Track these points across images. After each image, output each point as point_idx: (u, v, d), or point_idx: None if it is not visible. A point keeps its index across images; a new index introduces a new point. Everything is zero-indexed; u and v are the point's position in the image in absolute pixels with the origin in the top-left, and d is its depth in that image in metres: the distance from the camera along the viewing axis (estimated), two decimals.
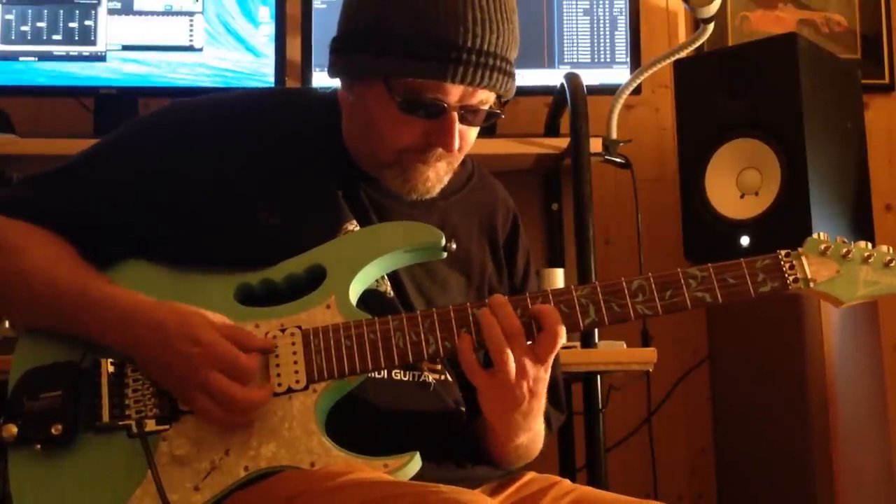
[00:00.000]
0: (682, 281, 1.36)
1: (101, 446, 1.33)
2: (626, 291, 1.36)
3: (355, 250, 1.41)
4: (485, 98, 1.42)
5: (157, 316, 1.33)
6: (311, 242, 1.41)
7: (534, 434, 1.46)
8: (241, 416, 1.31)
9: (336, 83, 1.51)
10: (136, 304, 1.35)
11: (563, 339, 1.34)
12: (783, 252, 1.39)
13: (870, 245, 1.40)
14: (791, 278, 1.37)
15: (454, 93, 1.38)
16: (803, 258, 1.39)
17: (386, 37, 1.37)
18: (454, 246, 1.43)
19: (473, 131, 1.45)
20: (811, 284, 1.38)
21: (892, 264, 1.38)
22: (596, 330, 2.14)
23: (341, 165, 1.49)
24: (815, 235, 1.41)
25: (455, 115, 1.39)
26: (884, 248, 1.40)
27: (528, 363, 1.32)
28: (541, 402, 1.39)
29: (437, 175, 1.46)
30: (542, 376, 1.35)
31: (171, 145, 1.45)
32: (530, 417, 1.39)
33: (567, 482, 1.50)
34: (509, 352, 1.31)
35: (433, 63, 1.35)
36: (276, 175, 1.45)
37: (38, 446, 1.32)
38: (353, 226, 1.46)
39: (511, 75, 1.42)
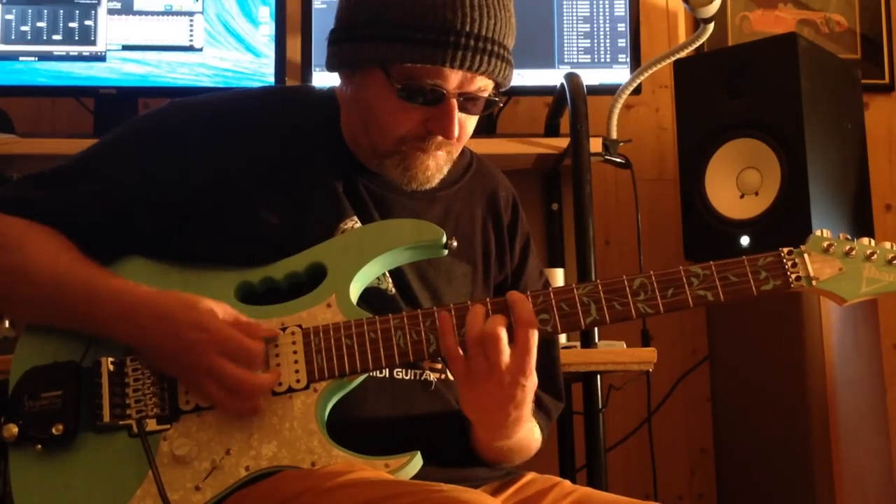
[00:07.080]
0: (684, 279, 1.36)
1: (101, 446, 1.33)
2: (628, 290, 1.35)
3: (356, 248, 1.40)
4: (483, 85, 1.42)
5: (163, 305, 1.34)
6: (312, 240, 1.41)
7: (517, 442, 1.43)
8: (247, 401, 1.32)
9: (335, 79, 1.51)
10: (141, 295, 1.36)
11: (535, 341, 1.30)
12: (786, 250, 1.38)
13: (873, 242, 1.39)
14: (793, 276, 1.36)
15: (453, 79, 1.38)
16: (806, 256, 1.37)
17: (384, 25, 1.38)
18: (455, 243, 1.42)
19: (472, 120, 1.46)
20: (814, 283, 1.36)
21: (895, 261, 1.37)
22: (596, 330, 2.14)
23: (341, 161, 1.49)
24: (817, 232, 1.39)
25: (454, 101, 1.39)
26: (887, 244, 1.38)
27: (505, 361, 1.29)
28: (523, 412, 1.35)
29: (437, 164, 1.46)
30: (521, 381, 1.31)
31: (169, 144, 1.45)
32: (510, 423, 1.36)
33: (568, 483, 1.49)
34: (485, 341, 1.29)
35: (430, 48, 1.36)
36: (275, 172, 1.45)
37: (39, 446, 1.32)
38: (354, 222, 1.45)
39: (509, 62, 1.42)
